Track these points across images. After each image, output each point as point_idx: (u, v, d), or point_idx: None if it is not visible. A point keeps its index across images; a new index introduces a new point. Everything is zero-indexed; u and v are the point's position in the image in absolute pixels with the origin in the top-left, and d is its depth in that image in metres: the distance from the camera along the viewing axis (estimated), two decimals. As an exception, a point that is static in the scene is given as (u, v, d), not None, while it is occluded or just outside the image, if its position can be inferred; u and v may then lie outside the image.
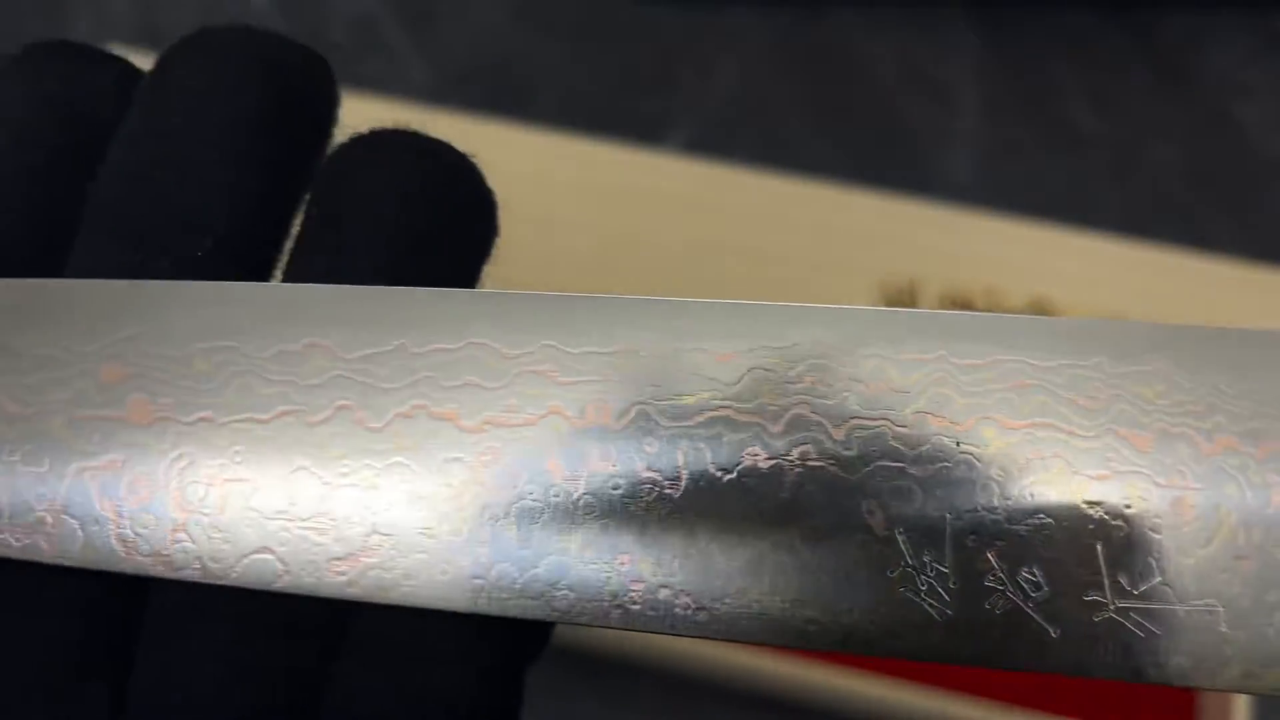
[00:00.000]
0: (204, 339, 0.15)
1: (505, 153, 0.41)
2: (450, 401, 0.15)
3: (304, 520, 0.15)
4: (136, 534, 0.15)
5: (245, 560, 0.15)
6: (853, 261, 0.37)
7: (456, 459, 0.15)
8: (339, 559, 0.15)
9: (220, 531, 0.15)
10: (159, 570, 0.15)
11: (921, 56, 0.46)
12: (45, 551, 0.15)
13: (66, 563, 0.15)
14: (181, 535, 0.15)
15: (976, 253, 0.37)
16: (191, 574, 0.15)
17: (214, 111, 0.16)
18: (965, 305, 0.36)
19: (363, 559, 0.15)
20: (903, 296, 0.36)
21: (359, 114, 0.48)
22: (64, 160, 0.17)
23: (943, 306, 0.36)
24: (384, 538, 0.15)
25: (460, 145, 0.17)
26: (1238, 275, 0.37)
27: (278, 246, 0.17)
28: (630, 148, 0.41)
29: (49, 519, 0.15)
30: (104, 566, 0.15)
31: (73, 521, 0.15)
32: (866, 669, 0.33)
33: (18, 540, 0.15)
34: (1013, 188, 0.43)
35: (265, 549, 0.15)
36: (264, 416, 0.15)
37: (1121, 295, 0.37)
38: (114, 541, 0.15)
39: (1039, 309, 0.36)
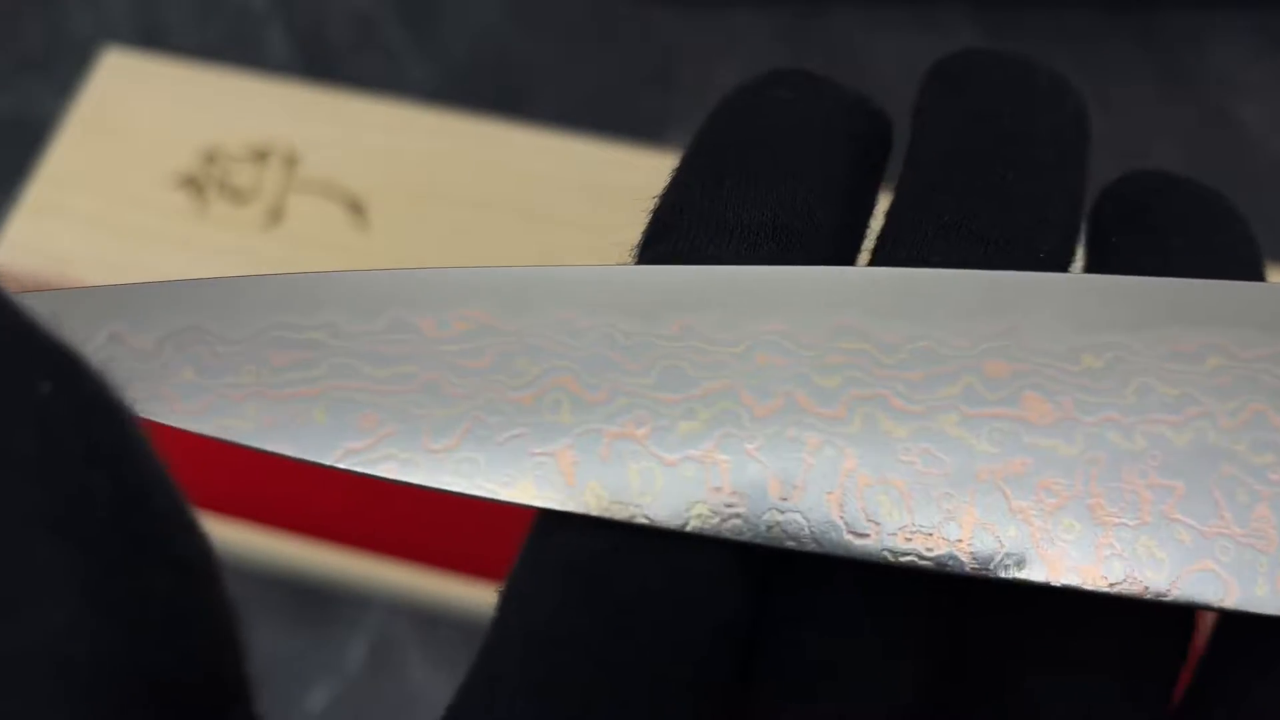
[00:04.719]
0: (1088, 333, 0.15)
1: (505, 153, 0.41)
2: None
3: (1242, 534, 0.14)
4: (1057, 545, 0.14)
5: (1184, 575, 0.14)
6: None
7: None
8: None
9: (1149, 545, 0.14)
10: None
11: (921, 56, 0.46)
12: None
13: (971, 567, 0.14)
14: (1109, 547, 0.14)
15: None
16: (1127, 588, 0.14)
17: (1038, 120, 0.17)
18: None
19: None
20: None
21: (360, 114, 0.48)
22: (874, 172, 0.18)
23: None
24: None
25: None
26: (1238, 275, 0.37)
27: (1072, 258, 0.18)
28: (630, 147, 0.40)
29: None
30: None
31: (987, 536, 0.14)
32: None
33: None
34: (1013, 187, 0.43)
35: (1206, 560, 0.14)
36: (1175, 419, 0.14)
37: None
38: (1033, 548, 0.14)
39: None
